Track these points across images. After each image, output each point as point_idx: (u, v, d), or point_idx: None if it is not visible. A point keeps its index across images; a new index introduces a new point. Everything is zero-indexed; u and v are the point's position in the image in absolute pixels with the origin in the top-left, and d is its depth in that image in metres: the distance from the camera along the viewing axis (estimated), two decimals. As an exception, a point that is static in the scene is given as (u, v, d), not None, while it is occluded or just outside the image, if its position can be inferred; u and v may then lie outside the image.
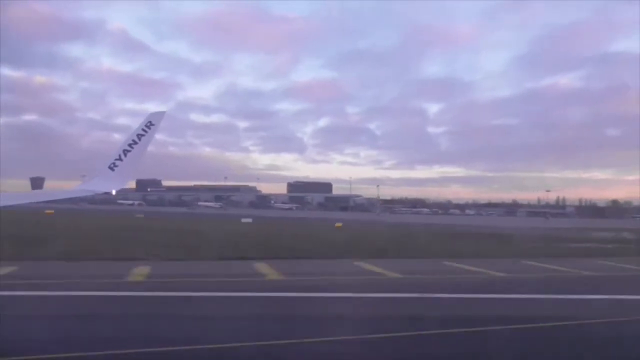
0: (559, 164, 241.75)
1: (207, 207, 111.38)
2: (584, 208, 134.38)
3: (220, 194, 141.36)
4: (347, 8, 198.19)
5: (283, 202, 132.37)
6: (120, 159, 6.92)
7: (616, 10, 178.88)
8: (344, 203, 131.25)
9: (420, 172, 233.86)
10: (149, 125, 7.12)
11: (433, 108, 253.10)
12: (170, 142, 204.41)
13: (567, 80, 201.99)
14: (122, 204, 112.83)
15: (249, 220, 44.36)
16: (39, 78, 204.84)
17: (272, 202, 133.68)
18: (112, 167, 6.88)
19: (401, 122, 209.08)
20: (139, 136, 7.05)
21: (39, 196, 6.55)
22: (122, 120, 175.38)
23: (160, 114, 7.27)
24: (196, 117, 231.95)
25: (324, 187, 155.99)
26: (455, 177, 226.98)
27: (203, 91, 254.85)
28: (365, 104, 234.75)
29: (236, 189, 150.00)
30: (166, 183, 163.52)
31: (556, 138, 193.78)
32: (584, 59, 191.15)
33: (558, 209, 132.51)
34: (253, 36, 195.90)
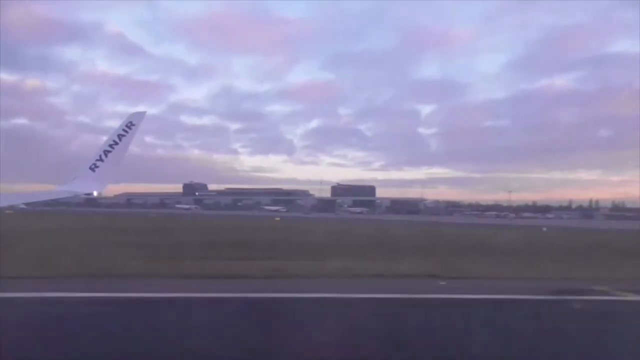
0: (547, 165, 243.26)
1: (275, 210, 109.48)
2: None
3: (275, 197, 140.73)
4: (346, 10, 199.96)
5: (348, 206, 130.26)
6: (101, 159, 6.93)
7: (615, 12, 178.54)
8: (411, 207, 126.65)
9: (407, 174, 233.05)
10: (130, 125, 7.13)
11: (426, 110, 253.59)
12: (158, 144, 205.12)
13: (561, 81, 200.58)
14: (179, 208, 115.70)
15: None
16: (31, 81, 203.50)
17: (346, 205, 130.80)
18: (93, 168, 6.88)
19: (392, 124, 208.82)
20: (120, 137, 7.05)
21: (18, 198, 6.51)
22: (112, 123, 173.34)
23: (141, 114, 7.27)
24: (187, 119, 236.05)
25: (368, 190, 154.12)
26: (441, 178, 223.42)
27: (196, 93, 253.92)
28: (358, 105, 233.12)
29: (287, 192, 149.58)
30: (162, 186, 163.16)
31: (545, 139, 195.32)
32: (579, 61, 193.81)
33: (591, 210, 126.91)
34: (250, 38, 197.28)
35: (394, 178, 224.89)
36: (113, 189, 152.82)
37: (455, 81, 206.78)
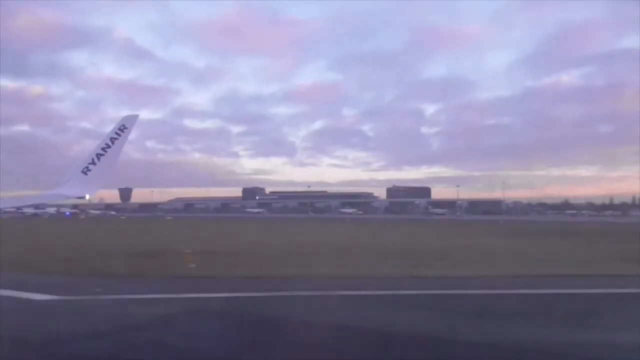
0: (547, 162, 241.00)
1: (350, 213, 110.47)
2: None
3: (345, 200, 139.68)
4: (356, 10, 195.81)
5: (431, 207, 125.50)
6: (93, 162, 6.88)
7: (623, 8, 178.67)
8: (490, 207, 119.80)
9: (407, 174, 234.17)
10: (122, 128, 7.08)
11: (430, 109, 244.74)
12: (159, 148, 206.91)
13: (568, 78, 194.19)
14: (250, 212, 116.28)
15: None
16: (36, 88, 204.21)
17: (429, 207, 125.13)
18: (85, 172, 6.84)
19: (396, 124, 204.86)
20: (112, 140, 7.01)
21: (6, 202, 6.46)
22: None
23: (134, 117, 7.23)
24: (190, 122, 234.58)
25: (424, 191, 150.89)
26: (440, 177, 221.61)
27: (201, 97, 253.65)
28: (363, 105, 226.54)
29: (351, 195, 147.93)
30: (158, 188, 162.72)
31: (547, 136, 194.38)
32: (587, 57, 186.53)
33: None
34: (258, 40, 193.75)
35: (392, 178, 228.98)
36: (166, 194, 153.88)
37: (461, 80, 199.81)
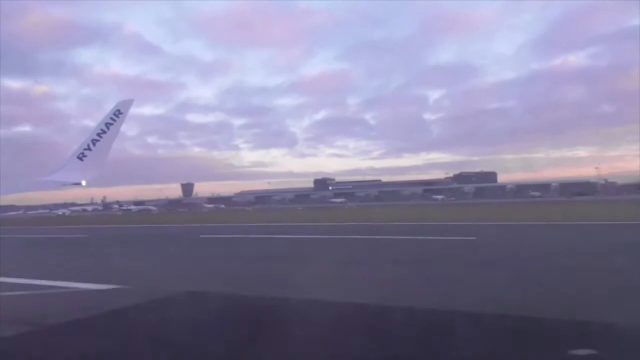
0: (547, 144, 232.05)
1: (442, 199, 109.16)
2: None
3: (423, 187, 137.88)
4: None
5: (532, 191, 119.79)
6: (89, 148, 6.79)
7: None
8: (583, 188, 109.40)
9: (406, 160, 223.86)
10: (117, 113, 6.91)
11: (434, 95, 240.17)
12: (160, 144, 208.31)
13: (574, 59, 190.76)
14: (333, 202, 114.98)
15: None
16: (40, 87, 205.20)
17: (530, 191, 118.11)
18: (80, 157, 6.76)
19: (398, 111, 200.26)
20: (108, 125, 6.86)
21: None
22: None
23: (129, 102, 7.04)
24: (193, 117, 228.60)
25: (490, 176, 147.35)
26: (438, 163, 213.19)
27: (206, 90, 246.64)
28: (368, 94, 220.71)
29: (428, 182, 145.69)
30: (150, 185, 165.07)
31: (548, 118, 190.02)
32: (597, 37, 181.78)
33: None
34: (267, 31, 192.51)
35: (391, 166, 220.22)
36: (232, 188, 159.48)
37: (469, 64, 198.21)
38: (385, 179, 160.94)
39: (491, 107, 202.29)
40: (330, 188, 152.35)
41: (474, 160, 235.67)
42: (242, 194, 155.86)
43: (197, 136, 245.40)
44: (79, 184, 6.85)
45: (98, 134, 6.81)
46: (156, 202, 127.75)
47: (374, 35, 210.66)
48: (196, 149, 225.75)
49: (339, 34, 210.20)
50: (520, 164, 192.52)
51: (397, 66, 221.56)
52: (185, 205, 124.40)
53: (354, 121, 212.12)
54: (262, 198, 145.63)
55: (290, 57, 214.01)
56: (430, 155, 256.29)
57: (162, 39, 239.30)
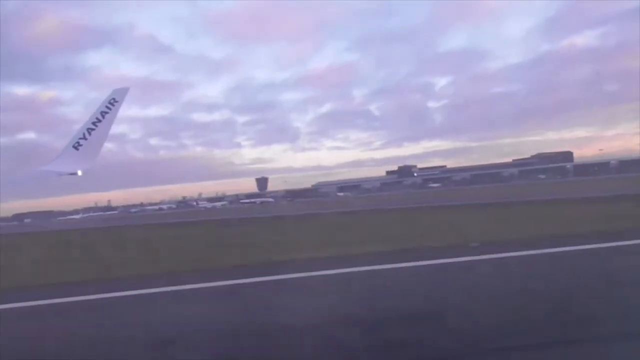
0: (545, 127, 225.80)
1: (544, 178, 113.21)
2: None
3: (523, 168, 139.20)
4: None
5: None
6: (84, 137, 6.69)
7: None
8: None
9: (405, 150, 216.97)
10: (113, 102, 6.74)
11: (441, 82, 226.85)
12: (163, 145, 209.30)
13: (582, 39, 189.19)
14: (432, 187, 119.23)
15: None
16: (47, 93, 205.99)
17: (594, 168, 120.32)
18: (76, 147, 6.68)
19: (404, 100, 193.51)
20: (103, 114, 6.71)
21: None
22: (122, 128, 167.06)
23: (124, 90, 6.84)
24: (198, 116, 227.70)
25: (567, 155, 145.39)
26: (437, 151, 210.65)
27: (213, 88, 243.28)
28: (375, 84, 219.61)
29: (522, 163, 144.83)
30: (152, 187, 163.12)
31: (551, 100, 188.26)
32: (605, 16, 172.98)
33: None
34: (281, 25, 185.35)
35: (391, 156, 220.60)
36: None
37: (477, 50, 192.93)
38: (388, 168, 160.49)
39: (496, 91, 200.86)
40: (415, 175, 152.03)
41: (470, 146, 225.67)
42: (318, 185, 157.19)
43: (200, 135, 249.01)
44: (74, 173, 6.78)
45: (93, 123, 6.67)
46: (228, 199, 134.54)
47: (386, 25, 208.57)
48: (198, 148, 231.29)
49: (351, 25, 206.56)
50: (513, 149, 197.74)
51: (406, 55, 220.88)
52: (304, 195, 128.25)
53: (358, 113, 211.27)
54: (345, 188, 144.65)
55: (300, 50, 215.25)
56: (432, 143, 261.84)
57: (174, 39, 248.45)
